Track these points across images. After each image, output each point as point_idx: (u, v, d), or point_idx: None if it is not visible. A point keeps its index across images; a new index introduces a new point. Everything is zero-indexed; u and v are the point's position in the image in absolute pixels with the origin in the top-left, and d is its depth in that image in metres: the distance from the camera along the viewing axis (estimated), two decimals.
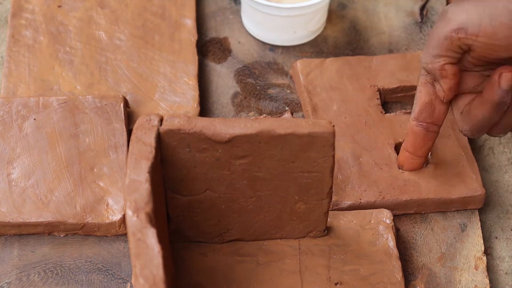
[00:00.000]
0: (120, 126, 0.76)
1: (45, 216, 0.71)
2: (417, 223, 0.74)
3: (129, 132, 0.76)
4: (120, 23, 0.86)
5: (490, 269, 0.73)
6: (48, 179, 0.73)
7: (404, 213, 0.75)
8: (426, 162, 0.75)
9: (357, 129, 0.78)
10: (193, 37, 0.85)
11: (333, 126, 0.62)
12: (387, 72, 0.82)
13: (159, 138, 0.62)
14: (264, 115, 0.82)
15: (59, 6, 0.87)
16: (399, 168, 0.75)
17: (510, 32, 0.61)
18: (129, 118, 0.78)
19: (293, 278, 0.68)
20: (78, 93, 0.80)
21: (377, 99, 0.80)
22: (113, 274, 0.70)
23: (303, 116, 0.82)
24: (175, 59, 0.83)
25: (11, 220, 0.71)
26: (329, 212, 0.69)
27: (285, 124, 0.62)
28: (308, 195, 0.66)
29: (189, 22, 0.86)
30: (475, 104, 0.66)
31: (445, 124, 0.78)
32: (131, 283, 0.70)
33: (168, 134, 0.62)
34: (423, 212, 0.75)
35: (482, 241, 0.73)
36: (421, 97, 0.70)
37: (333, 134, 0.62)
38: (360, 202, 0.73)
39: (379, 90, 0.81)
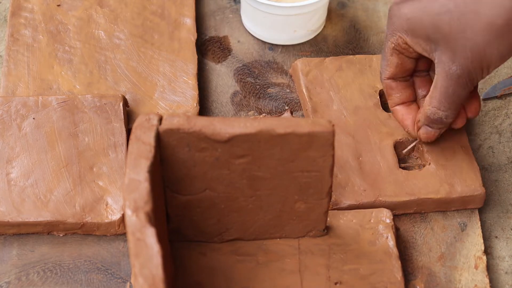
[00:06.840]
0: (120, 125, 0.76)
1: (44, 216, 0.71)
2: (417, 223, 0.74)
3: (129, 131, 0.76)
4: (119, 22, 0.86)
5: (490, 269, 0.72)
6: (47, 179, 0.73)
7: (404, 213, 0.74)
8: (425, 163, 0.76)
9: (357, 128, 0.78)
10: (192, 36, 0.85)
11: (333, 125, 0.62)
12: None
13: (159, 137, 0.62)
14: (264, 114, 0.81)
15: (59, 5, 0.87)
16: (399, 168, 0.75)
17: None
18: (129, 117, 0.78)
19: (292, 278, 0.68)
20: (77, 92, 0.80)
21: (377, 98, 0.80)
22: (113, 273, 0.70)
23: (302, 116, 0.81)
24: (175, 58, 0.83)
25: (10, 220, 0.70)
26: (329, 211, 0.69)
27: (284, 123, 0.62)
28: (307, 195, 0.66)
29: (189, 21, 0.86)
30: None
31: None
32: (130, 282, 0.70)
33: (167, 133, 0.62)
34: (423, 212, 0.75)
35: (482, 241, 0.73)
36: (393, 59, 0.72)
37: (333, 133, 0.62)
38: (360, 202, 0.73)
39: (379, 89, 0.81)
